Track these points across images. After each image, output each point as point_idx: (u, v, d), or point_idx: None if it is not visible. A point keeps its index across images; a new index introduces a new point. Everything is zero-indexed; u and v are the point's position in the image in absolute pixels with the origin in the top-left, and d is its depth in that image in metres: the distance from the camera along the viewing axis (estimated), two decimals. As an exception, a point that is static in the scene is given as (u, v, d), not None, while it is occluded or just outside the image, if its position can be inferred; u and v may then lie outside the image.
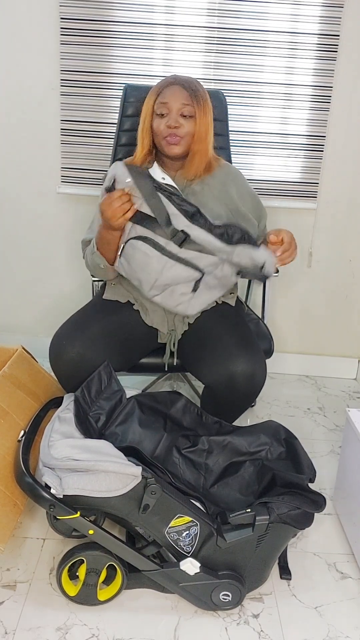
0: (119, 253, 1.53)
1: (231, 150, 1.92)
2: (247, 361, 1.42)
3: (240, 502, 1.38)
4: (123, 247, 1.51)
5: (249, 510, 1.21)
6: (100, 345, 1.47)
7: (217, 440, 1.46)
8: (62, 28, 2.02)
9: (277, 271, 1.81)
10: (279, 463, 1.41)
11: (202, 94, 1.50)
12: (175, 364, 1.62)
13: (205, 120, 1.51)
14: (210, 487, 1.43)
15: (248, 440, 1.45)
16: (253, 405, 2.12)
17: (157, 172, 1.53)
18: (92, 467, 1.16)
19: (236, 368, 1.41)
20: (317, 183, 2.21)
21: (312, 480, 1.29)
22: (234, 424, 1.51)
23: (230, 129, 1.91)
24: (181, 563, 1.23)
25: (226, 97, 1.88)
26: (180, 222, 1.45)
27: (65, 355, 1.45)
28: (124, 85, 1.87)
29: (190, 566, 1.22)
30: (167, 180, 1.52)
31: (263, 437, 1.45)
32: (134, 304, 1.60)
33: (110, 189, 1.45)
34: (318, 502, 1.25)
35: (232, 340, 1.47)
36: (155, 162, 1.55)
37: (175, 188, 1.52)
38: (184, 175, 1.56)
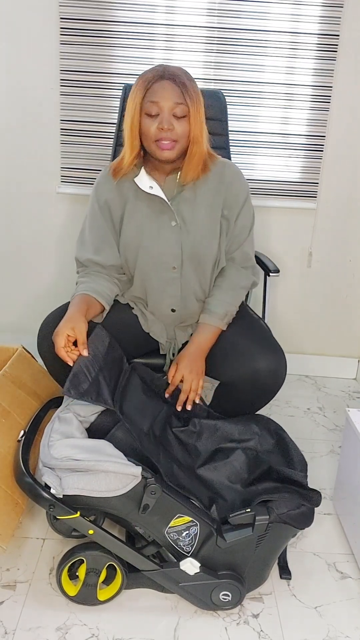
0: None
1: (231, 150, 1.92)
2: (271, 357, 1.41)
3: (228, 489, 1.36)
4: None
5: (248, 510, 1.21)
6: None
7: (208, 424, 1.45)
8: (62, 28, 2.02)
9: (278, 271, 1.82)
10: (271, 456, 1.40)
11: (193, 88, 1.38)
12: None
13: (199, 118, 1.40)
14: (198, 468, 1.41)
15: (239, 428, 1.45)
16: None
17: (144, 180, 1.45)
18: (92, 467, 1.16)
19: (260, 365, 1.40)
20: (317, 183, 2.21)
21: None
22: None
23: (230, 128, 1.91)
24: (181, 563, 1.23)
25: (226, 97, 1.87)
26: None
27: (51, 338, 1.38)
28: (124, 85, 1.87)
29: (190, 566, 1.22)
30: (154, 190, 1.45)
31: (254, 426, 1.45)
32: (132, 308, 1.59)
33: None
34: (314, 498, 1.25)
35: (252, 337, 1.47)
36: (142, 167, 1.47)
37: (163, 199, 1.45)
38: (182, 179, 1.47)
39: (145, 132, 1.39)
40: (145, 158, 1.49)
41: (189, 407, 1.45)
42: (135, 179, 1.46)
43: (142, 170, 1.47)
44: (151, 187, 1.45)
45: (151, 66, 1.42)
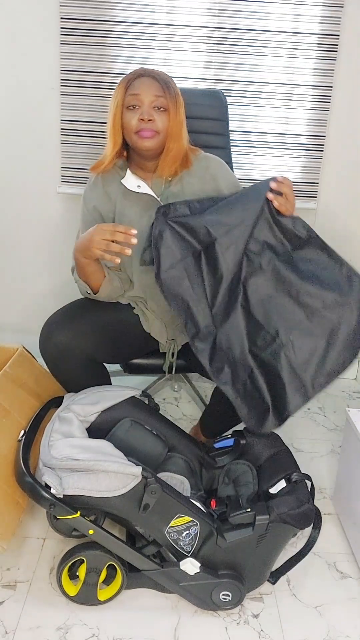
0: None
1: (231, 150, 1.92)
2: None
3: (240, 362, 1.30)
4: None
5: (249, 509, 1.21)
6: (91, 334, 1.44)
7: (277, 266, 1.34)
8: (62, 28, 2.02)
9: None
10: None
11: (173, 87, 1.42)
12: (174, 370, 1.61)
13: (179, 114, 1.41)
14: (225, 322, 1.34)
15: (310, 279, 1.34)
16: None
17: (131, 181, 1.46)
18: (92, 466, 1.16)
19: None
20: (317, 183, 2.21)
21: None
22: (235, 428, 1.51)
23: (230, 128, 1.91)
24: (181, 563, 1.23)
25: (227, 97, 1.87)
26: None
27: (54, 338, 1.41)
28: (124, 85, 1.88)
29: (190, 566, 1.23)
30: (142, 188, 1.45)
31: (330, 287, 1.33)
32: (134, 308, 1.59)
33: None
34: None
35: None
36: (128, 169, 1.48)
37: (152, 196, 1.46)
38: (160, 174, 1.47)
39: (126, 125, 1.40)
40: (130, 159, 1.49)
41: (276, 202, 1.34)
42: (122, 181, 1.47)
43: (128, 171, 1.48)
44: (139, 186, 1.46)
45: (152, 66, 1.42)
